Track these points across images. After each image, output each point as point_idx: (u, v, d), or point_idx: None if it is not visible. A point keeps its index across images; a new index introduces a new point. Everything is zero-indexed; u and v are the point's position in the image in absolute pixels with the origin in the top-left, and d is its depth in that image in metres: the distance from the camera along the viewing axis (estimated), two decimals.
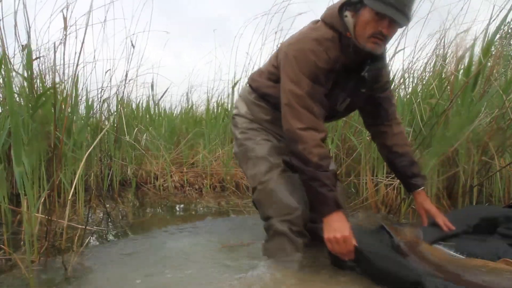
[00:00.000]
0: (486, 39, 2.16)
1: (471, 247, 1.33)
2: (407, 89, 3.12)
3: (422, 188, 1.55)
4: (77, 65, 2.13)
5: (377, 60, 1.33)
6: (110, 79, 2.92)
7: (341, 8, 1.31)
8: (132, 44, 2.91)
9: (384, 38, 1.25)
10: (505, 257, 1.24)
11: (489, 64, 2.34)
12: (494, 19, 2.20)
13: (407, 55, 3.09)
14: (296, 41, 1.32)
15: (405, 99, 2.79)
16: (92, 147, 1.94)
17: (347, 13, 1.28)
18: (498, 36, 2.67)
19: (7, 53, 2.17)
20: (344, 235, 1.20)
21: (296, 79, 1.25)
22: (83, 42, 1.88)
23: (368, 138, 2.75)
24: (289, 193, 1.42)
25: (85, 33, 1.90)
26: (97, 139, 2.01)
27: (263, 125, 1.57)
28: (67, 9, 1.96)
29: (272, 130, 1.56)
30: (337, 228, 1.20)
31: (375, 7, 1.18)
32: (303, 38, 1.30)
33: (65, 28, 1.84)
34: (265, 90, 1.52)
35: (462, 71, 2.47)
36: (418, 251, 1.28)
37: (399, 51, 2.90)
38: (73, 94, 2.42)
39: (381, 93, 1.51)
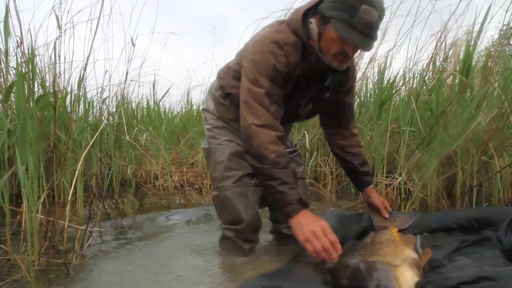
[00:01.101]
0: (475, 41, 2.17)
1: (441, 243, 1.38)
2: (406, 89, 3.12)
3: (371, 186, 1.66)
4: (85, 69, 2.13)
5: (339, 72, 1.30)
6: (110, 79, 2.92)
7: (306, 13, 1.26)
8: (133, 43, 2.91)
9: (349, 56, 1.23)
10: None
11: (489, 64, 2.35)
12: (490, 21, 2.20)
13: (409, 55, 3.09)
14: (258, 41, 1.28)
15: (405, 99, 2.79)
16: (89, 146, 1.93)
17: (312, 20, 1.23)
18: (497, 36, 2.67)
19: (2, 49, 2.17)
20: (321, 225, 1.08)
21: (254, 78, 1.22)
22: (91, 48, 1.87)
23: (368, 138, 2.75)
24: (239, 205, 1.43)
25: (93, 37, 1.90)
26: (94, 138, 2.00)
27: (229, 123, 1.53)
28: (60, 8, 1.95)
29: (237, 129, 1.48)
30: (310, 222, 1.08)
31: (340, 31, 1.14)
32: (264, 40, 1.26)
33: (59, 27, 1.84)
34: (229, 90, 1.47)
35: (461, 70, 2.48)
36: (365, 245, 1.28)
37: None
38: (81, 97, 2.43)
39: (345, 96, 1.50)
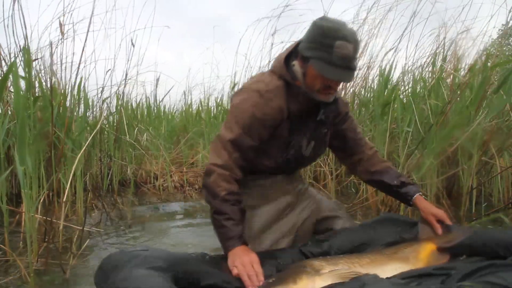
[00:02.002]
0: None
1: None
2: (406, 89, 3.12)
3: (420, 194, 1.46)
4: (78, 69, 2.14)
5: (330, 104, 1.32)
6: (110, 78, 2.92)
7: (288, 57, 1.31)
8: (132, 43, 2.92)
9: (334, 89, 1.26)
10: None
11: (488, 64, 2.34)
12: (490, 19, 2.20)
13: (409, 54, 3.09)
14: (240, 91, 1.35)
15: (404, 99, 2.79)
16: (86, 145, 1.93)
17: (295, 63, 1.28)
18: (497, 35, 2.67)
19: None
20: (251, 258, 1.12)
21: (228, 125, 1.28)
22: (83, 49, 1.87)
23: (368, 138, 2.75)
24: None
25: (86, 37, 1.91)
26: (90, 138, 2.00)
27: None
28: (63, 14, 1.96)
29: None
30: (243, 255, 1.13)
31: (319, 70, 1.18)
32: (247, 89, 1.32)
33: (62, 33, 1.84)
34: None
35: (463, 70, 2.48)
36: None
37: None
38: (81, 96, 2.44)
39: (343, 124, 1.48)
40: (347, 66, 1.18)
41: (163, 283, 0.91)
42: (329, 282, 1.02)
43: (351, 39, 1.17)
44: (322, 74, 1.19)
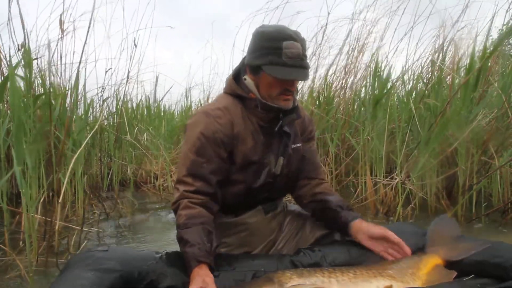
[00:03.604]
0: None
1: None
2: (406, 88, 3.12)
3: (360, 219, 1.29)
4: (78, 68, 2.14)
5: (290, 112, 1.28)
6: (111, 78, 2.93)
7: (237, 74, 1.31)
8: (134, 43, 2.93)
9: (291, 92, 1.24)
10: None
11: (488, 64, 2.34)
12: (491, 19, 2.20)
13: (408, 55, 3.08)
14: (191, 116, 1.34)
15: (404, 99, 2.78)
16: (84, 144, 1.94)
17: (246, 76, 1.27)
18: (497, 35, 2.67)
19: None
20: (205, 278, 1.06)
21: (183, 155, 1.24)
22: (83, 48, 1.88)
23: (368, 138, 2.75)
24: None
25: (87, 35, 1.91)
26: (88, 137, 2.01)
27: None
28: (62, 11, 1.96)
29: None
30: (197, 275, 1.06)
31: (274, 74, 1.17)
32: (195, 113, 1.32)
33: (62, 30, 1.85)
34: None
35: (463, 69, 2.48)
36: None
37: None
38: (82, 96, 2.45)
39: (306, 142, 1.39)
40: (299, 64, 1.17)
41: (93, 284, 0.91)
42: None
43: (297, 38, 1.17)
44: (277, 77, 1.18)
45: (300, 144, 1.35)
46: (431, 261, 1.15)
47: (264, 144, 1.28)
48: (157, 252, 1.10)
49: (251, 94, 1.27)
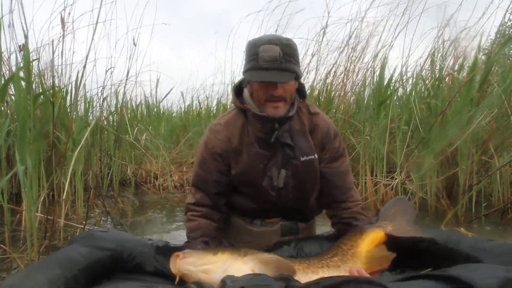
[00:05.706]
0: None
1: None
2: (405, 88, 3.12)
3: None
4: (84, 66, 2.14)
5: (285, 121, 1.26)
6: (111, 77, 2.93)
7: (240, 88, 1.35)
8: (134, 43, 2.92)
9: (279, 98, 1.22)
10: None
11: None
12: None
13: (410, 54, 3.09)
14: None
15: (403, 98, 2.79)
16: (81, 143, 1.93)
17: (245, 89, 1.31)
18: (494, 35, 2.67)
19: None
20: None
21: (194, 167, 1.37)
22: (90, 45, 1.86)
23: (368, 138, 2.75)
24: None
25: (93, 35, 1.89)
26: (85, 136, 2.00)
27: None
28: (64, 10, 1.96)
29: None
30: None
31: (251, 78, 1.20)
32: (206, 128, 1.40)
33: (63, 27, 1.84)
34: None
35: (464, 69, 2.48)
36: None
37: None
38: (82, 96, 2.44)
39: (328, 163, 1.30)
40: (277, 67, 1.17)
41: (81, 256, 1.00)
42: (249, 265, 1.01)
43: (277, 42, 1.17)
44: (252, 80, 1.21)
45: (313, 157, 1.30)
46: (371, 235, 1.17)
47: (265, 156, 1.29)
48: (150, 239, 1.17)
49: (245, 105, 1.29)
